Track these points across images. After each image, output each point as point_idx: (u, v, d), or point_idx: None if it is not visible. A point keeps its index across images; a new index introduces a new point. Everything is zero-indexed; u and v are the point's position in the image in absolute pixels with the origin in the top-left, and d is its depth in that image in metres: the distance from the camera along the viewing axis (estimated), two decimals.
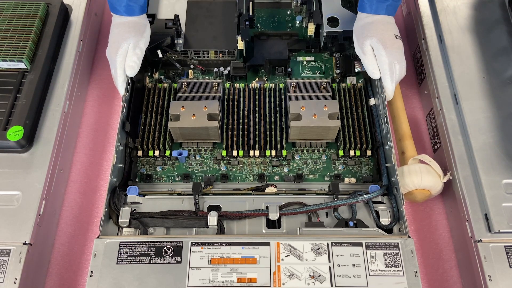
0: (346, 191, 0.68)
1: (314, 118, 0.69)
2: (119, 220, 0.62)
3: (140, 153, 0.72)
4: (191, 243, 0.59)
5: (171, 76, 0.81)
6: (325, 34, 0.79)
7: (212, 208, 0.66)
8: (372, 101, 0.75)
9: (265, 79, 0.81)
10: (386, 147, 0.69)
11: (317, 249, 0.59)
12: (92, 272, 0.57)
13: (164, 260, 0.58)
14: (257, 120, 0.74)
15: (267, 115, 0.75)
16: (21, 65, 0.73)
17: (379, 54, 0.69)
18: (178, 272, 0.57)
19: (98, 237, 0.59)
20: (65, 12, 0.82)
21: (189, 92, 0.75)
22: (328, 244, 0.59)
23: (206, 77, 0.81)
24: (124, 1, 0.70)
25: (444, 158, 0.73)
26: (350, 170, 0.72)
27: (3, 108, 0.70)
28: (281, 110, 0.75)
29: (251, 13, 0.77)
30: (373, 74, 0.70)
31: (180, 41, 0.80)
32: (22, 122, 0.68)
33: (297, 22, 0.88)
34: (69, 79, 0.77)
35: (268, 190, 0.67)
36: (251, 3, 0.78)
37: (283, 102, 0.77)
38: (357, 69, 0.80)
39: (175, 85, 0.78)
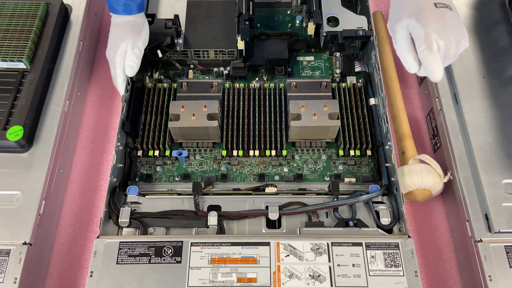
0: (346, 191, 0.68)
1: (314, 118, 0.69)
2: (119, 220, 0.62)
3: (140, 153, 0.72)
4: (191, 243, 0.59)
5: (171, 76, 0.81)
6: (325, 34, 0.79)
7: (212, 208, 0.66)
8: (372, 101, 0.75)
9: (265, 79, 0.81)
10: (386, 147, 0.69)
11: (317, 249, 0.58)
12: (92, 272, 0.57)
13: (164, 260, 0.58)
14: (257, 120, 0.74)
15: (267, 115, 0.75)
16: (21, 65, 0.73)
17: (414, 32, 0.56)
18: (178, 272, 0.57)
19: (98, 237, 0.60)
20: (65, 12, 0.82)
21: (189, 92, 0.75)
22: (328, 244, 0.59)
23: (206, 77, 0.81)
24: (122, 0, 0.70)
25: (444, 158, 0.73)
26: (350, 170, 0.72)
27: (3, 108, 0.70)
28: (281, 110, 0.75)
29: (251, 13, 0.77)
30: (408, 67, 0.57)
31: (180, 41, 0.80)
32: (22, 122, 0.68)
33: (297, 22, 0.88)
34: (69, 79, 0.77)
35: (268, 190, 0.67)
36: (251, 3, 0.78)
37: (283, 102, 0.76)
38: (357, 69, 0.80)
39: (175, 85, 0.78)
